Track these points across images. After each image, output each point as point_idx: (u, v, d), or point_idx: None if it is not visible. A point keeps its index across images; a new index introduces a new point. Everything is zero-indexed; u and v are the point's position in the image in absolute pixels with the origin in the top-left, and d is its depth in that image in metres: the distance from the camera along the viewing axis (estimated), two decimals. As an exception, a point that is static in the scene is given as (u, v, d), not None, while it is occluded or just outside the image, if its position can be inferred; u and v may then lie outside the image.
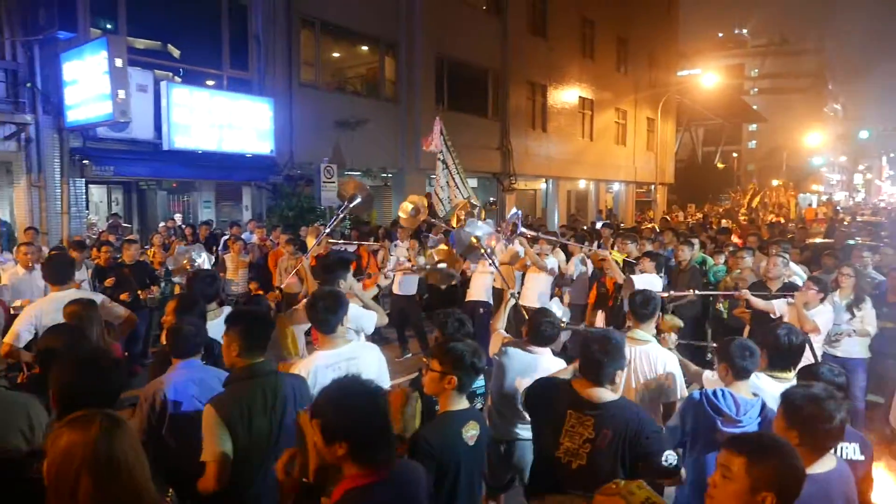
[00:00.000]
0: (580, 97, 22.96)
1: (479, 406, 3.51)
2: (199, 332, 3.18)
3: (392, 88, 16.02)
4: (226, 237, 10.38)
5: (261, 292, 9.23)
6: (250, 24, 12.56)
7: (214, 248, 10.80)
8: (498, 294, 8.46)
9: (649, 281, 5.39)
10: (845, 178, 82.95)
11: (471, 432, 2.64)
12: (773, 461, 1.79)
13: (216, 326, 3.51)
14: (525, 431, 3.67)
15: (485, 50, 18.29)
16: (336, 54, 15.54)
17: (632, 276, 5.60)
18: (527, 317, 4.34)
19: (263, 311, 3.21)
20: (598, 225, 15.74)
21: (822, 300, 5.05)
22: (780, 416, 2.29)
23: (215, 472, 2.50)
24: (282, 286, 7.16)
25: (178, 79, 11.26)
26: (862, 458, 2.61)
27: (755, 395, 2.97)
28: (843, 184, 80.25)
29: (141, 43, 10.99)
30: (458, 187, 8.93)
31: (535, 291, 7.54)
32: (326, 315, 3.13)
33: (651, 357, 3.57)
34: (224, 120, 11.50)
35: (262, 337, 2.78)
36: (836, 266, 6.19)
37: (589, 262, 7.98)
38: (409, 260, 8.57)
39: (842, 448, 2.57)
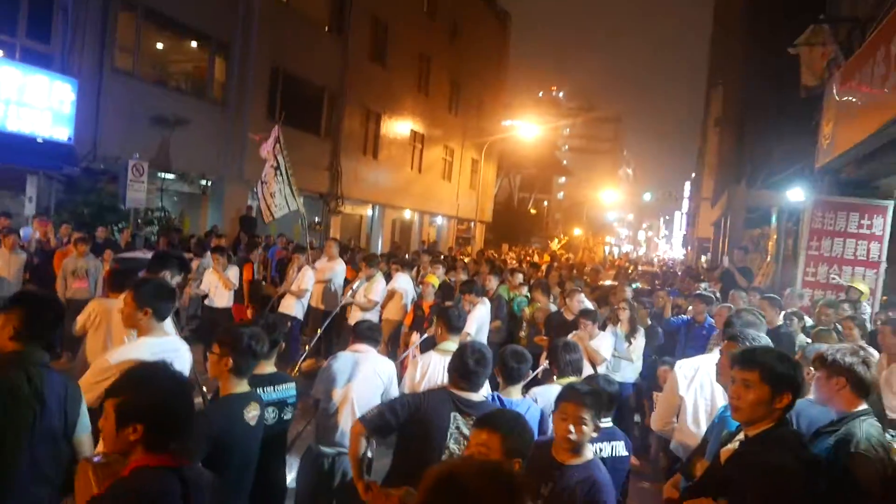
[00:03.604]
0: (412, 130, 23.74)
1: (287, 417, 3.39)
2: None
3: (221, 91, 15.17)
4: (-2, 229, 8.89)
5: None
6: (58, -7, 11.14)
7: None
8: (314, 312, 8.35)
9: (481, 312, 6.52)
10: (632, 234, 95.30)
11: (252, 413, 2.73)
12: (518, 433, 2.11)
13: None
14: None
15: (323, 68, 18.17)
16: (160, 45, 14.36)
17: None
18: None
19: (53, 296, 2.88)
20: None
21: (599, 328, 5.72)
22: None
23: None
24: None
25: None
26: (626, 454, 3.09)
27: (525, 396, 3.45)
28: (630, 238, 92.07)
29: None
30: (286, 198, 8.66)
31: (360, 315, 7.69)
32: (161, 302, 3.05)
33: None
34: (12, 95, 9.97)
35: (46, 325, 2.48)
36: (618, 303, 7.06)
37: (410, 285, 8.25)
38: (216, 273, 8.14)
39: (612, 446, 2.97)
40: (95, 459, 1.92)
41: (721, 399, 3.14)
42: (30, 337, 2.38)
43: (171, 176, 13.88)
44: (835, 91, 7.99)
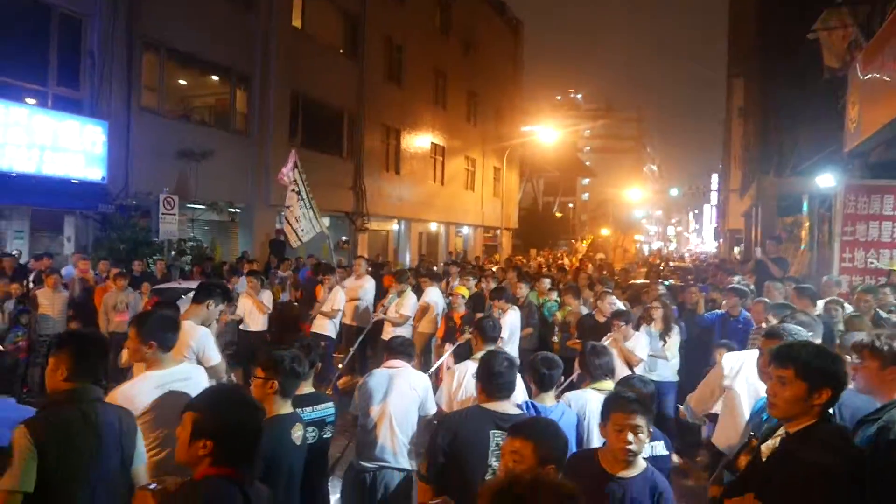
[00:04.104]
0: (432, 143, 23.91)
1: (327, 435, 3.47)
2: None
3: (243, 121, 15.54)
4: (41, 270, 9.23)
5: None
6: (84, 40, 11.58)
7: (24, 283, 9.57)
8: (347, 329, 8.46)
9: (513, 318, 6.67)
10: (661, 230, 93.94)
11: (297, 433, 2.85)
12: (551, 440, 2.13)
13: None
14: (393, 459, 3.69)
15: (341, 91, 18.47)
16: (183, 81, 14.79)
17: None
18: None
19: (97, 332, 3.01)
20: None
21: (634, 328, 5.68)
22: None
23: None
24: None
25: (-10, 92, 9.98)
26: (666, 453, 3.09)
27: (559, 401, 3.44)
28: (659, 234, 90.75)
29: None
30: (310, 221, 8.83)
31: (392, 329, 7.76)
32: (166, 334, 3.04)
33: None
34: (47, 141, 10.38)
35: (95, 361, 2.58)
36: (651, 301, 7.00)
37: (441, 298, 8.30)
38: (250, 297, 8.29)
39: (652, 446, 2.96)
40: (151, 486, 2.02)
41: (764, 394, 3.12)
42: (81, 375, 2.48)
43: (200, 206, 14.24)
44: (858, 73, 7.84)
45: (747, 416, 3.10)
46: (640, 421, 2.45)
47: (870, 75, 7.31)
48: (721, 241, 42.37)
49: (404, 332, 7.57)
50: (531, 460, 2.05)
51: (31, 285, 9.16)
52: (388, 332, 7.70)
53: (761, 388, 2.99)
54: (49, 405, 2.44)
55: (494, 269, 15.82)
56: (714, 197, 60.75)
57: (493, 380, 3.03)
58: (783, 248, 10.39)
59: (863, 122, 7.53)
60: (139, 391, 2.87)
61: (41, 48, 10.98)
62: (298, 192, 8.69)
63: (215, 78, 15.34)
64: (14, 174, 10.00)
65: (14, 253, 11.14)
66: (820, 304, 5.72)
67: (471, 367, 3.94)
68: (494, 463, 2.89)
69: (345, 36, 19.13)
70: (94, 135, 11.18)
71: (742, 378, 3.27)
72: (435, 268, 15.71)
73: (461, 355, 6.50)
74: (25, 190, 10.36)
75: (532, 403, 3.29)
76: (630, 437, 2.43)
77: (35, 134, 10.20)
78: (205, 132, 14.31)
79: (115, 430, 2.48)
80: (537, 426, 2.24)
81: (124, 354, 4.28)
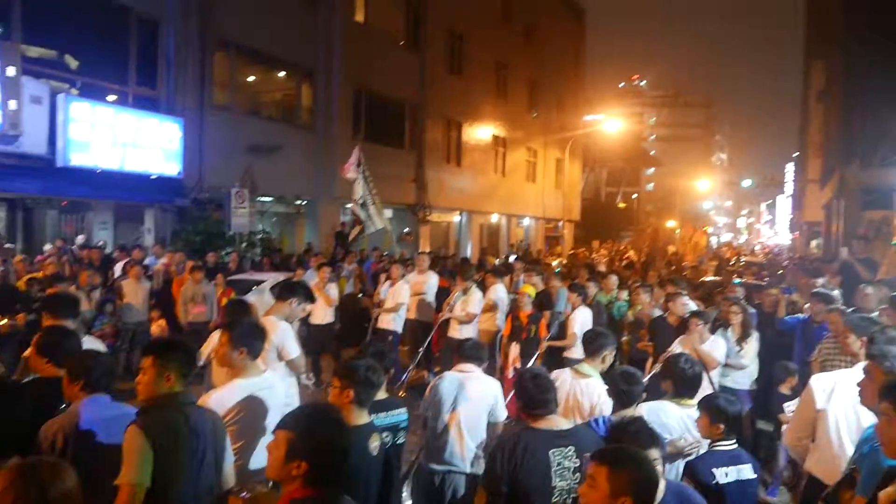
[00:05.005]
0: (493, 135, 23.72)
1: (401, 441, 3.49)
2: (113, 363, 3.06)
3: (308, 116, 15.86)
4: (126, 261, 9.71)
5: (162, 322, 8.67)
6: (161, 41, 12.08)
7: (110, 273, 10.11)
8: (411, 324, 8.50)
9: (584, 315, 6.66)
10: (730, 221, 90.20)
11: (374, 443, 2.83)
12: (628, 469, 1.99)
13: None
14: (462, 463, 3.72)
15: (403, 84, 18.55)
16: (251, 78, 15.23)
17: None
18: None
19: (186, 340, 3.16)
20: (512, 258, 16.11)
21: (711, 331, 5.44)
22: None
23: (127, 499, 2.32)
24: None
25: (74, 91, 10.44)
26: (754, 476, 2.94)
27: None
28: (729, 226, 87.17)
29: (34, 51, 10.09)
30: (372, 217, 8.95)
31: (459, 326, 7.77)
32: (255, 341, 3.13)
33: (588, 390, 3.79)
34: (129, 138, 10.90)
35: (193, 366, 2.76)
36: (726, 303, 6.68)
37: (506, 295, 8.23)
38: (316, 290, 8.44)
39: (738, 469, 2.84)
40: (243, 495, 2.07)
41: (866, 419, 2.84)
42: (183, 380, 2.62)
43: (268, 199, 14.65)
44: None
45: (845, 443, 2.88)
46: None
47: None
48: (797, 233, 40.31)
49: (470, 329, 7.56)
50: (604, 487, 1.97)
51: (115, 275, 9.67)
52: (455, 329, 7.71)
53: (863, 414, 2.77)
54: (153, 407, 2.55)
55: (555, 263, 15.60)
56: (789, 187, 57.84)
57: (532, 405, 2.97)
58: (870, 248, 9.73)
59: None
60: (229, 399, 2.99)
61: (121, 50, 11.51)
62: (363, 187, 8.81)
63: (282, 74, 15.71)
64: (99, 170, 10.55)
65: (100, 244, 11.81)
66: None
67: (567, 376, 3.91)
68: (560, 483, 2.82)
69: (406, 28, 19.16)
70: (171, 132, 11.66)
71: (837, 401, 3.02)
72: (497, 261, 15.63)
73: (530, 355, 6.51)
74: (108, 185, 10.95)
75: (608, 419, 3.18)
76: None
77: (118, 132, 10.73)
78: (272, 127, 14.70)
79: (209, 431, 2.59)
80: (617, 453, 2.12)
81: (203, 351, 4.44)
